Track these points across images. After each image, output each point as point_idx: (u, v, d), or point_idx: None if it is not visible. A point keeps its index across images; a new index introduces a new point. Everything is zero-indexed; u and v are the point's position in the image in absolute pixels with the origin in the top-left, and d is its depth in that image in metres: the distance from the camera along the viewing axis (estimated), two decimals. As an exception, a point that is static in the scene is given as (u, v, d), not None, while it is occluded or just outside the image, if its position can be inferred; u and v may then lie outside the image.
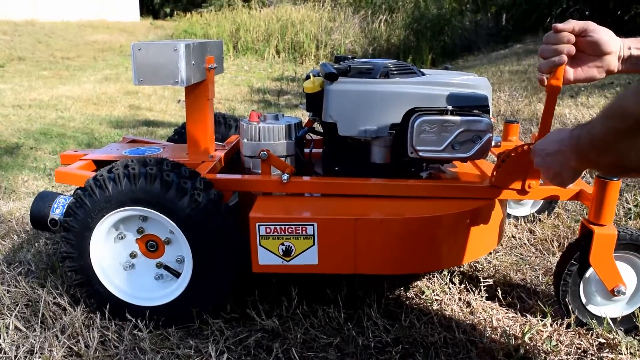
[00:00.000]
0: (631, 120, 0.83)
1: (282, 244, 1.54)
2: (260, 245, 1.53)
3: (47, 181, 3.63)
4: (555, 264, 1.95)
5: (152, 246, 1.62)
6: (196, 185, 1.52)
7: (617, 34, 1.34)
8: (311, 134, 1.99)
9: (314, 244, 1.53)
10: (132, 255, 1.63)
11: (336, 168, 1.82)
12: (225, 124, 2.31)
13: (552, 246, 2.08)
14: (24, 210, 2.89)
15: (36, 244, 2.24)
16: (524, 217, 2.34)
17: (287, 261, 1.55)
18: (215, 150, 1.97)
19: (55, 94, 8.76)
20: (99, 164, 1.88)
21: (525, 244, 2.12)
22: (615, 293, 1.55)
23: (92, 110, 8.30)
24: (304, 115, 5.56)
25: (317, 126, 1.98)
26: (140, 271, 1.64)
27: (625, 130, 0.85)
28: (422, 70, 1.86)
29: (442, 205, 1.61)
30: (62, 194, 1.78)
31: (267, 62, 11.50)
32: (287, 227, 1.52)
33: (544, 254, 2.05)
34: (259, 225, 1.52)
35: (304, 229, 1.52)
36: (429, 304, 1.72)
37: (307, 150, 2.02)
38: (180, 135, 2.32)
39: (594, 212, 1.55)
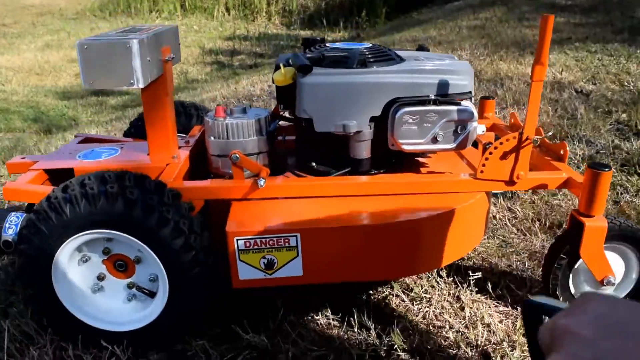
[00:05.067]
0: None
1: (264, 257, 1.41)
2: (240, 260, 1.41)
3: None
4: (538, 246, 1.92)
5: (120, 266, 1.46)
6: (164, 200, 1.36)
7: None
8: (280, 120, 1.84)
9: (297, 255, 1.41)
10: (100, 278, 1.47)
11: (313, 163, 1.68)
12: (186, 114, 2.12)
13: (534, 226, 2.03)
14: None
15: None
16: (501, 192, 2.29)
17: (270, 274, 1.43)
18: (179, 147, 1.79)
19: (-7, 66, 8.14)
20: (51, 173, 1.68)
21: (506, 225, 2.06)
22: (605, 283, 1.51)
23: (36, 81, 7.75)
24: (262, 76, 5.27)
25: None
26: (111, 294, 1.49)
27: None
28: (398, 53, 1.72)
29: (428, 204, 1.51)
30: (13, 211, 1.58)
31: (217, 20, 10.97)
32: (268, 239, 1.39)
33: (526, 235, 2.00)
34: (237, 240, 1.39)
35: (286, 240, 1.40)
36: (418, 302, 1.65)
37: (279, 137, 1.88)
38: (137, 128, 2.11)
39: (585, 203, 1.48)
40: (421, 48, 1.90)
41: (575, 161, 2.59)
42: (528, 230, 2.03)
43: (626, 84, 3.76)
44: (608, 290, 1.57)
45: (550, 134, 1.71)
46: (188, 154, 1.75)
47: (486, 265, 1.83)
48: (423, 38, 5.84)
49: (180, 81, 7.89)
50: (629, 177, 2.40)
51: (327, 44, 1.72)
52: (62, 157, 1.76)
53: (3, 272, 1.87)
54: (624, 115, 3.15)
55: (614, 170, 2.45)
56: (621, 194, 2.29)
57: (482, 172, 1.55)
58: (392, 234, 1.43)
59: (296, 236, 1.40)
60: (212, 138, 1.67)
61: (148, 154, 1.73)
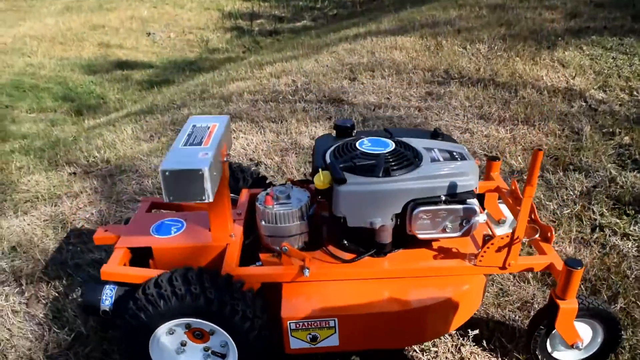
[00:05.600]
0: None
1: (309, 334, 1.89)
2: (291, 335, 1.89)
3: (43, 173, 3.80)
4: (530, 294, 2.38)
5: (198, 335, 1.95)
6: (234, 295, 1.83)
7: None
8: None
9: (335, 332, 1.89)
10: (183, 344, 1.97)
11: (345, 242, 2.12)
12: (234, 177, 2.53)
13: (527, 274, 2.47)
14: (40, 230, 3.14)
15: (75, 292, 2.55)
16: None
17: (314, 345, 1.92)
18: (234, 220, 2.23)
19: (17, 34, 8.45)
20: (134, 249, 2.14)
21: (504, 273, 2.51)
22: (574, 347, 1.97)
23: (60, 52, 8.09)
24: (284, 63, 5.34)
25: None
26: (190, 354, 1.99)
27: None
28: (417, 149, 2.09)
29: (438, 286, 1.95)
30: (107, 284, 2.06)
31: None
32: (312, 322, 1.87)
33: (520, 284, 2.45)
34: (289, 323, 1.86)
35: (326, 322, 1.87)
36: (427, 352, 2.13)
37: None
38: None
39: (561, 289, 1.91)
40: (436, 133, 2.27)
41: (573, 197, 2.99)
42: (522, 277, 2.48)
43: (635, 93, 4.04)
44: (576, 352, 2.04)
45: (536, 237, 2.10)
46: (242, 230, 2.19)
47: (484, 315, 2.30)
48: (443, 21, 6.02)
49: (202, 50, 8.17)
50: (618, 219, 2.79)
51: (356, 144, 2.10)
52: (138, 232, 2.21)
53: (92, 319, 2.39)
54: (626, 137, 3.49)
55: (605, 211, 2.84)
56: (609, 236, 2.70)
57: (480, 260, 1.98)
58: (408, 317, 1.89)
59: (334, 320, 1.87)
60: (264, 222, 2.10)
61: (209, 230, 2.18)
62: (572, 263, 1.88)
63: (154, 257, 2.14)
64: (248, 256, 2.14)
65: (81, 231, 3.22)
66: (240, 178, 2.56)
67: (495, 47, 5.00)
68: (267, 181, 2.70)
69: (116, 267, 2.04)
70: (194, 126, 2.14)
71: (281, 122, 4.23)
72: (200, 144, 1.98)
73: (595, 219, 2.80)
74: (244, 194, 2.46)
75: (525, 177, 3.04)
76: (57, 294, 2.63)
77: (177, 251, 2.12)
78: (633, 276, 2.44)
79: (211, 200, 1.88)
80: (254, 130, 4.16)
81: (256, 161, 3.67)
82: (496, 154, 3.41)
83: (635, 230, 2.72)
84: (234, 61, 7.22)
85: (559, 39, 5.07)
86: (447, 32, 5.54)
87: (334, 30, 7.11)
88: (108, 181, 3.77)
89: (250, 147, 3.86)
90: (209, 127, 2.12)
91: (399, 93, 4.43)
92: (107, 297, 2.03)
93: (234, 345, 1.89)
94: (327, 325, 1.87)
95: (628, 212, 2.84)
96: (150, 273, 1.99)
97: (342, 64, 5.26)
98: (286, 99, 4.70)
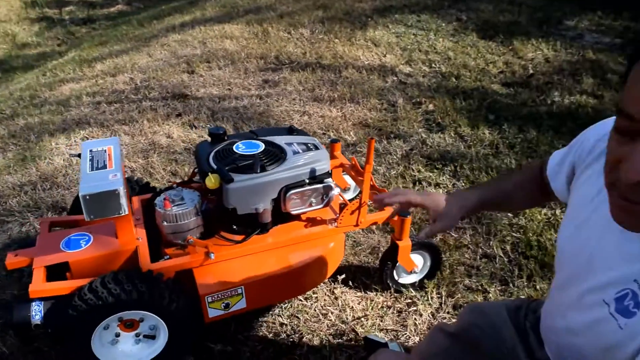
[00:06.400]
0: None
1: (223, 302, 2.53)
2: (209, 307, 2.51)
3: None
4: (376, 241, 3.26)
5: (129, 325, 2.46)
6: (160, 285, 2.38)
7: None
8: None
9: (242, 297, 2.55)
10: (117, 335, 2.46)
11: (234, 227, 2.76)
12: (123, 187, 2.99)
13: (373, 228, 3.36)
14: None
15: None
16: (350, 199, 3.56)
17: (227, 311, 2.56)
18: (135, 225, 2.73)
19: None
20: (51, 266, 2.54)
21: (355, 229, 3.36)
22: (413, 272, 2.89)
23: None
24: (114, 59, 5.58)
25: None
26: (124, 341, 2.49)
27: None
28: (281, 145, 2.79)
29: (311, 248, 2.71)
30: (33, 301, 2.44)
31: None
32: (224, 293, 2.50)
33: (368, 235, 3.32)
34: (207, 297, 2.48)
35: (235, 291, 2.52)
36: (309, 299, 2.90)
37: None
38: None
39: (397, 232, 2.80)
40: (291, 129, 2.99)
41: (397, 160, 3.95)
42: (369, 230, 3.36)
43: (433, 65, 5.18)
44: (414, 275, 2.97)
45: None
46: (145, 232, 2.71)
47: (346, 263, 3.13)
48: (264, 6, 6.69)
49: (10, 47, 7.72)
50: (431, 172, 3.82)
51: (233, 148, 2.72)
52: (49, 251, 2.59)
53: (10, 338, 2.72)
54: (430, 105, 4.57)
55: (421, 168, 3.85)
56: (426, 187, 3.70)
57: (340, 222, 2.78)
58: (293, 275, 2.62)
59: (241, 287, 2.52)
60: (165, 223, 2.65)
61: (116, 237, 2.66)
62: (403, 214, 2.76)
63: (71, 270, 2.56)
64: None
65: (-44, 261, 3.36)
66: (129, 187, 3.03)
67: (316, 31, 5.84)
68: (151, 185, 3.20)
69: (42, 285, 2.45)
70: (91, 151, 2.58)
71: (132, 123, 4.60)
72: (105, 167, 2.45)
73: (415, 175, 3.79)
74: (136, 201, 2.94)
75: (358, 149, 3.95)
76: (-40, 325, 2.86)
77: (92, 260, 2.56)
78: (445, 214, 3.45)
79: (127, 213, 2.39)
80: (107, 135, 4.48)
81: (119, 166, 4.05)
82: (332, 132, 4.26)
83: (443, 180, 3.76)
84: (51, 56, 7.10)
85: (369, 19, 6.08)
86: (270, 17, 6.24)
87: (156, 17, 7.39)
88: (-37, 207, 3.85)
89: (109, 153, 4.20)
90: (105, 150, 2.57)
91: (238, 83, 5.05)
92: (37, 313, 2.42)
93: (165, 325, 2.45)
94: (236, 293, 2.52)
95: (437, 166, 3.88)
96: (75, 284, 2.43)
97: (176, 57, 5.69)
98: (129, 98, 5.04)
